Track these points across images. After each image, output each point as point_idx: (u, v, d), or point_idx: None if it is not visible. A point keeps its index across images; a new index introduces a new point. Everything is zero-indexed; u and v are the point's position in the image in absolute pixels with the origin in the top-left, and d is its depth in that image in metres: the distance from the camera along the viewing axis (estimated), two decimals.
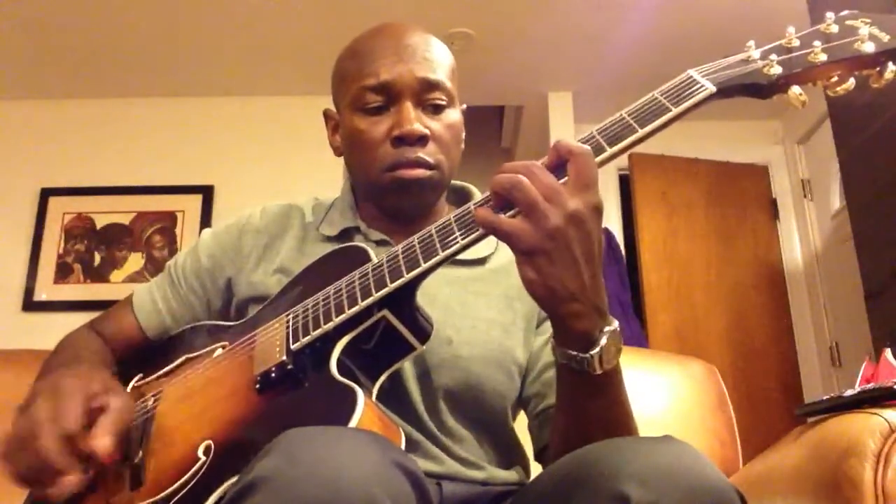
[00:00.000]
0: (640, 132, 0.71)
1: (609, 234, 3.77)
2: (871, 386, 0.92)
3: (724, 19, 3.03)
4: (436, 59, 0.95)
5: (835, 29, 0.75)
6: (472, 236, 0.72)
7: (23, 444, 0.72)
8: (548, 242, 0.65)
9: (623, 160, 3.52)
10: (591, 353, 0.68)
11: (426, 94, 0.93)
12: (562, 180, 0.68)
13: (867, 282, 2.22)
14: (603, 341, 0.68)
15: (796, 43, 0.75)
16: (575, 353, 0.69)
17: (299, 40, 3.25)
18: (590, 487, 0.59)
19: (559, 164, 0.69)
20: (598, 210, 0.67)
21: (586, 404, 0.74)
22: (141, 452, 0.80)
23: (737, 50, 0.78)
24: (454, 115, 0.96)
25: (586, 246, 0.67)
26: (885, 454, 0.77)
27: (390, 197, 0.95)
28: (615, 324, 0.70)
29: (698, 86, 0.73)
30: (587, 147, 0.69)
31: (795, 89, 0.74)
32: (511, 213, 0.69)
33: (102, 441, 0.72)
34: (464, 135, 1.02)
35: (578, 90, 3.68)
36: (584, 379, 0.70)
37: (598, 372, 0.69)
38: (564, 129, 3.65)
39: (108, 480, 0.82)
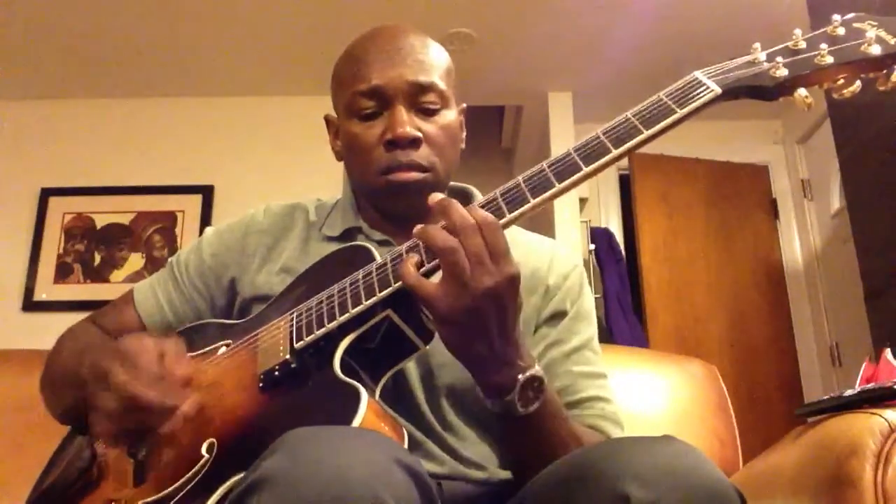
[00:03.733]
0: (646, 133, 0.72)
1: (609, 234, 3.77)
2: (871, 386, 0.92)
3: (723, 19, 3.03)
4: (428, 60, 0.95)
5: (841, 31, 0.75)
6: None
7: (126, 408, 0.74)
8: (462, 316, 0.69)
9: (623, 160, 3.51)
10: (507, 399, 0.73)
11: (419, 97, 0.93)
12: None
13: (867, 282, 2.22)
14: (517, 388, 0.73)
15: (803, 45, 0.75)
16: (494, 399, 0.74)
17: (300, 40, 3.25)
18: (590, 487, 0.59)
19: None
20: (512, 281, 0.70)
21: (520, 443, 0.79)
22: (145, 449, 0.81)
23: (736, 49, 0.78)
24: (449, 116, 0.96)
25: (498, 316, 0.70)
26: (885, 454, 0.77)
27: (386, 200, 0.96)
28: (532, 371, 0.73)
29: (704, 87, 0.73)
30: (491, 217, 0.71)
31: (801, 91, 0.74)
32: (430, 266, 0.72)
33: (182, 368, 0.77)
34: (464, 134, 1.02)
35: (578, 90, 3.68)
36: (512, 420, 0.75)
37: (521, 413, 0.74)
38: (564, 129, 3.65)
39: (111, 476, 0.82)
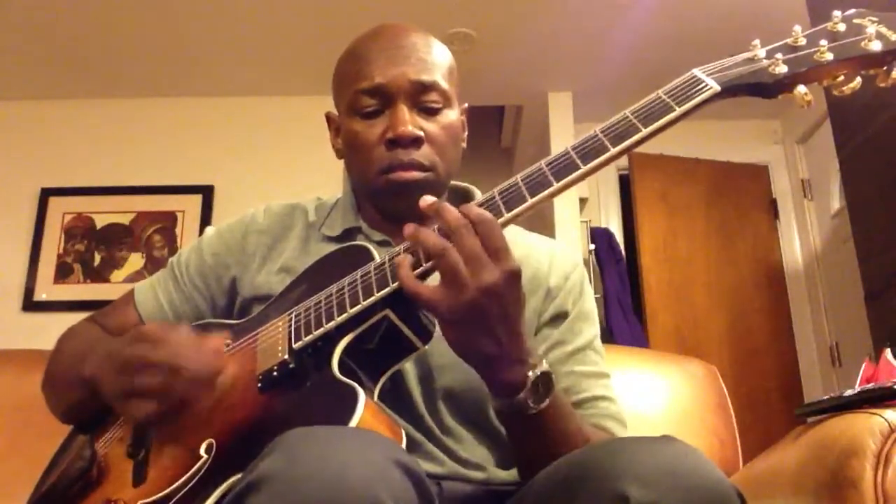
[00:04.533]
0: (644, 131, 0.71)
1: (609, 234, 3.77)
2: (871, 386, 0.92)
3: (723, 18, 3.03)
4: (431, 60, 0.95)
5: (841, 27, 0.74)
6: None
7: (169, 384, 0.74)
8: (464, 314, 0.68)
9: (623, 160, 3.51)
10: (519, 397, 0.72)
11: (420, 96, 0.93)
12: None
13: (867, 282, 2.22)
14: (528, 385, 0.72)
15: (802, 42, 0.75)
16: (505, 399, 0.73)
17: (299, 40, 3.25)
18: (590, 487, 0.59)
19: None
20: (513, 277, 0.69)
21: (530, 441, 0.78)
22: (144, 450, 0.81)
23: (737, 48, 0.78)
24: (451, 115, 0.96)
25: (501, 312, 0.69)
26: (885, 454, 0.77)
27: (386, 199, 0.96)
28: (541, 368, 0.73)
29: (703, 85, 0.73)
30: (488, 214, 0.70)
31: (801, 88, 0.74)
32: (426, 268, 0.72)
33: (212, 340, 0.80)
34: (465, 134, 1.01)
35: (578, 90, 3.68)
36: (522, 419, 0.74)
37: (532, 411, 0.73)
38: (564, 129, 3.65)
39: (111, 476, 0.82)
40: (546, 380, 0.73)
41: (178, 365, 0.74)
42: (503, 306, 0.69)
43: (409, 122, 0.91)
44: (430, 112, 0.94)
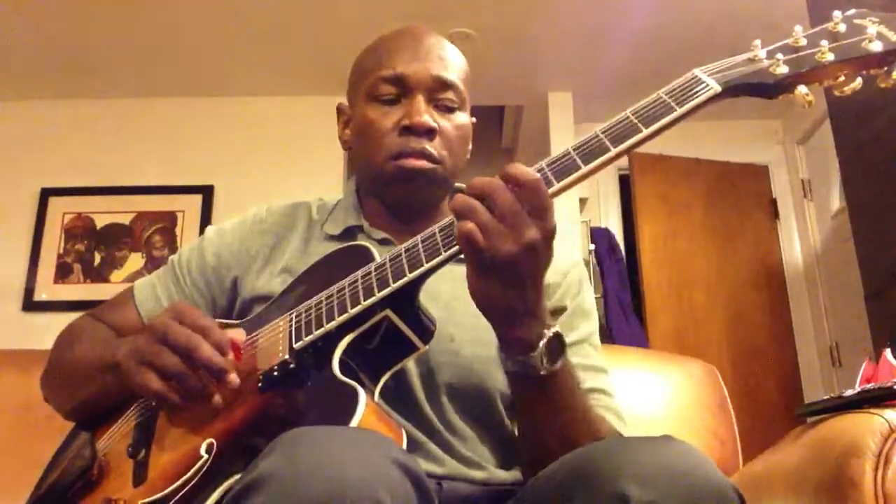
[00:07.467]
0: (645, 132, 0.71)
1: (609, 234, 3.77)
2: (871, 386, 0.92)
3: (723, 18, 3.03)
4: (452, 61, 0.99)
5: (842, 28, 0.75)
6: None
7: (188, 352, 0.73)
8: (499, 266, 0.68)
9: (623, 160, 3.51)
10: (532, 354, 0.71)
11: (439, 93, 0.96)
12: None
13: (867, 282, 2.22)
14: (542, 343, 0.71)
15: (803, 42, 0.75)
16: (517, 357, 0.72)
17: (300, 40, 3.25)
18: (590, 487, 0.59)
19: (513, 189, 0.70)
20: (552, 236, 0.70)
21: (537, 408, 0.77)
22: (144, 449, 0.81)
23: (737, 48, 0.78)
24: (464, 118, 0.99)
25: (536, 271, 0.70)
26: (885, 454, 0.77)
27: (393, 187, 0.96)
28: (554, 328, 0.72)
29: (703, 85, 0.73)
30: (532, 174, 0.70)
31: (802, 89, 0.74)
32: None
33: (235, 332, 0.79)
34: (471, 142, 1.03)
35: (578, 90, 3.68)
36: (532, 382, 0.73)
37: (543, 373, 0.72)
38: (564, 129, 3.65)
39: (111, 476, 0.82)
40: (559, 341, 0.73)
41: (194, 347, 0.73)
42: (538, 265, 0.69)
43: (426, 112, 0.93)
44: (446, 110, 0.97)
